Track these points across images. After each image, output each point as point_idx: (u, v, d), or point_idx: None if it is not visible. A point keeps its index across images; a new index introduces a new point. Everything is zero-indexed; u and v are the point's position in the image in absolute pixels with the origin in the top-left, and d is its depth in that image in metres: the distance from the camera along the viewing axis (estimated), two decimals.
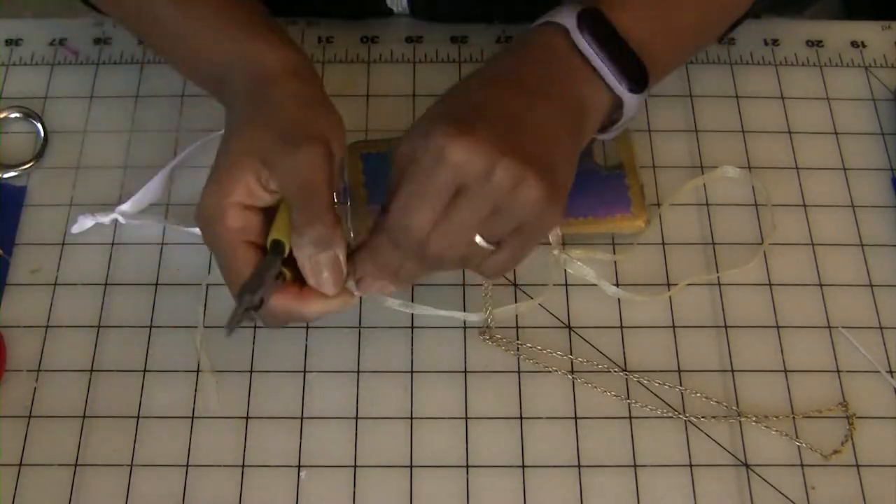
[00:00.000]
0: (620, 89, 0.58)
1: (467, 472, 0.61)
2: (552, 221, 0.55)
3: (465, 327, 0.65)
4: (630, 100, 0.59)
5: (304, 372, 0.64)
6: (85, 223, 0.68)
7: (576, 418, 0.62)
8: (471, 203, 0.53)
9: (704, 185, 0.71)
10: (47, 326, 0.65)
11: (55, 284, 0.67)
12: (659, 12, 0.61)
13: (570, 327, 0.66)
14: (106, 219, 0.68)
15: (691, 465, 0.61)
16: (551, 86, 0.57)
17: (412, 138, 0.55)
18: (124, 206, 0.68)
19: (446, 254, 0.55)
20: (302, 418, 0.62)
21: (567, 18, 0.58)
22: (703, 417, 0.62)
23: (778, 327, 0.65)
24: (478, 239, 0.54)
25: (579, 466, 0.61)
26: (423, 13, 0.78)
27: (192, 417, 0.62)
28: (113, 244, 0.68)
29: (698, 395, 0.63)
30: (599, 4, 0.59)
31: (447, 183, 0.53)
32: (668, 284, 0.67)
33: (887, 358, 0.65)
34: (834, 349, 0.65)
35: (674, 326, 0.65)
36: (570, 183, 0.57)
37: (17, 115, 0.73)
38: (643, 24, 0.60)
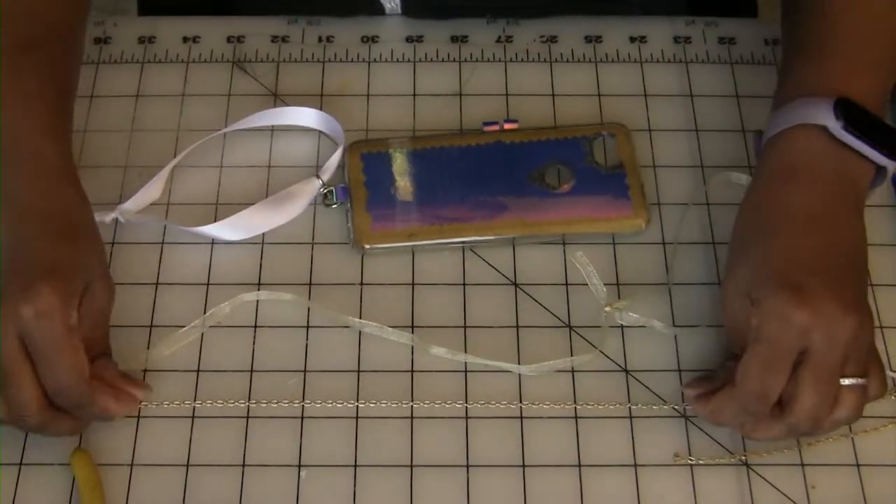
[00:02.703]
0: (885, 161, 0.62)
1: (467, 472, 0.61)
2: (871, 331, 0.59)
3: (465, 326, 0.65)
4: (891, 165, 0.62)
5: (305, 371, 0.64)
6: None
7: (576, 418, 0.62)
8: (826, 358, 0.56)
9: (705, 184, 0.71)
10: None
11: None
12: (881, 70, 0.65)
13: (570, 326, 0.66)
14: (106, 218, 0.68)
15: (692, 465, 0.61)
16: (834, 191, 0.61)
17: (737, 302, 0.59)
18: (124, 206, 0.68)
19: (819, 411, 0.57)
20: (302, 418, 0.62)
21: (823, 117, 0.61)
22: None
23: None
24: (846, 381, 0.57)
25: (580, 466, 0.61)
26: (415, 11, 0.78)
27: (193, 417, 0.62)
28: (113, 243, 0.68)
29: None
30: (835, 82, 0.62)
31: (795, 347, 0.56)
32: (669, 284, 0.67)
33: (887, 358, 0.65)
34: None
35: (674, 326, 0.65)
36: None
37: None
38: (869, 85, 0.63)
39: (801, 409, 0.57)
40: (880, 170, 0.63)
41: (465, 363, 0.64)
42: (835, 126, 0.61)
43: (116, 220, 0.68)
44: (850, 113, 0.61)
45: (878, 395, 0.59)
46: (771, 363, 0.57)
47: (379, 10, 0.78)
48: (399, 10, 0.78)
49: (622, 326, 0.65)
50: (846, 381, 0.57)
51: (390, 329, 0.64)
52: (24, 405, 0.57)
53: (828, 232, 0.60)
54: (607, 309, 0.65)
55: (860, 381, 0.58)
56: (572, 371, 0.64)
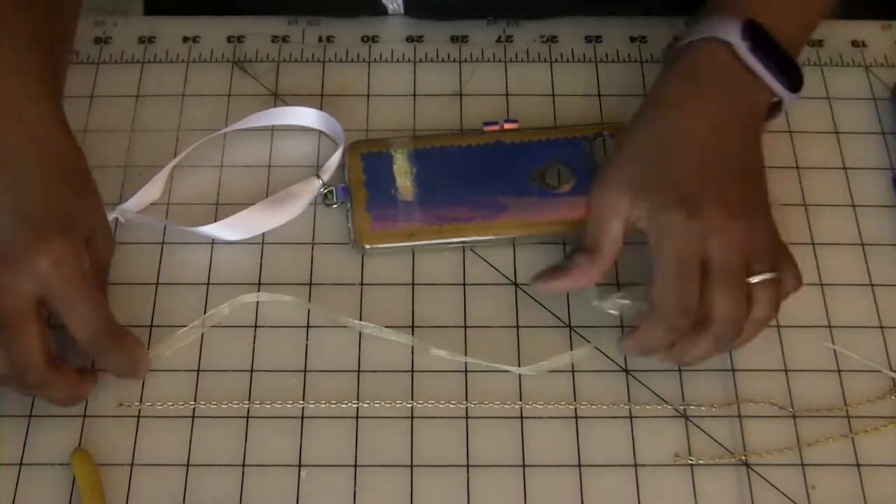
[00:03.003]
0: (783, 92, 0.64)
1: (467, 472, 0.61)
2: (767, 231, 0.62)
3: (465, 326, 0.65)
4: (790, 98, 0.65)
5: (305, 371, 0.64)
6: None
7: (576, 418, 0.62)
8: (727, 258, 0.59)
9: None
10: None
11: None
12: (797, 7, 0.67)
13: (570, 326, 0.66)
14: None
15: (692, 465, 0.61)
16: (730, 104, 0.63)
17: (616, 194, 0.61)
18: (124, 206, 0.68)
19: (736, 312, 0.59)
20: (302, 418, 0.62)
21: (731, 34, 0.63)
22: (703, 417, 0.62)
23: (778, 326, 0.65)
24: (754, 279, 0.59)
25: (580, 466, 0.61)
26: (417, 11, 0.78)
27: (193, 417, 0.62)
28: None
29: (698, 394, 0.63)
30: (747, 9, 0.64)
31: (697, 253, 0.59)
32: None
33: (888, 357, 0.65)
34: (834, 349, 0.65)
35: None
36: (766, 186, 0.63)
37: None
38: (786, 22, 0.65)
39: (719, 314, 0.59)
40: (777, 104, 0.65)
41: (465, 363, 0.64)
42: (740, 44, 0.62)
43: (116, 220, 0.68)
44: (757, 37, 0.63)
45: (795, 288, 0.61)
46: (681, 272, 0.59)
47: (381, 11, 0.78)
48: (401, 11, 0.78)
49: (622, 326, 0.65)
50: (754, 279, 0.59)
51: (390, 330, 0.64)
52: (28, 359, 0.57)
53: (718, 140, 0.62)
54: (594, 303, 0.65)
55: (768, 275, 0.59)
56: (572, 371, 0.64)
